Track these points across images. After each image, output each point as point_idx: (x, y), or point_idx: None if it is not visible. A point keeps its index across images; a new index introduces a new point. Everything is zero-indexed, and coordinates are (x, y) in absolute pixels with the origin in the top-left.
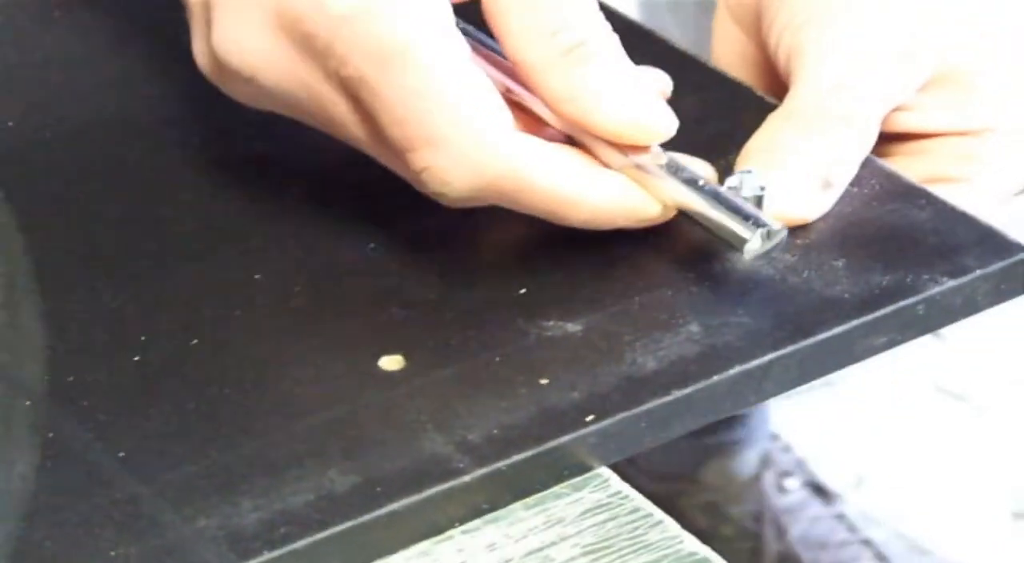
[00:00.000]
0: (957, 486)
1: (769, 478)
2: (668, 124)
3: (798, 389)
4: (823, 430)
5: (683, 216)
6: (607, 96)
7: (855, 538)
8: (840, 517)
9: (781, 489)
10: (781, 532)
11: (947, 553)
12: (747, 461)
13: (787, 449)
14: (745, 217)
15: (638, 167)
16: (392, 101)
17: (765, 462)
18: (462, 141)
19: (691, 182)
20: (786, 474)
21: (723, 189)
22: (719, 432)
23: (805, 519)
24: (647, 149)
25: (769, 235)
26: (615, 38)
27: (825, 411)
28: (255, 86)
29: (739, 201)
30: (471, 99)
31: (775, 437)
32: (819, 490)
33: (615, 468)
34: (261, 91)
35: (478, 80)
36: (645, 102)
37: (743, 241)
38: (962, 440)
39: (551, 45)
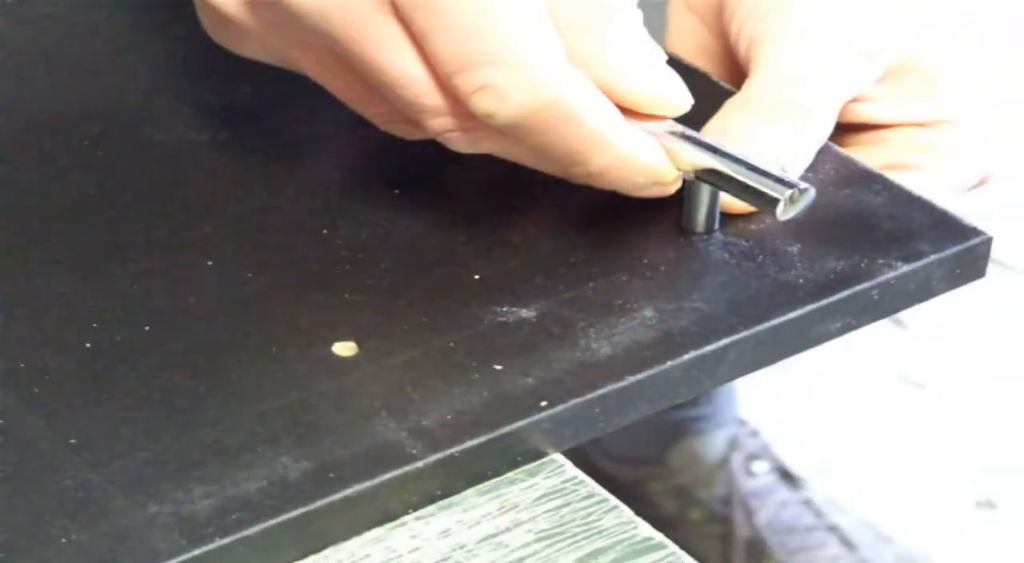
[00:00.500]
0: (920, 474)
1: (737, 461)
2: (688, 97)
3: (763, 375)
4: (789, 415)
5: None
6: (635, 64)
7: (822, 524)
8: (807, 502)
9: (749, 473)
10: (749, 516)
11: (911, 541)
12: (715, 444)
13: (754, 433)
14: (773, 178)
15: (654, 135)
16: (457, 17)
17: (733, 445)
18: (526, 60)
19: (714, 148)
20: (754, 458)
21: (744, 153)
22: (685, 407)
23: (773, 504)
24: (664, 119)
25: (800, 194)
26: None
27: (790, 397)
28: (286, 13)
29: (763, 164)
30: (536, 21)
31: (742, 422)
32: (786, 475)
33: (584, 453)
34: (285, 23)
35: (540, 6)
36: (669, 74)
37: (776, 200)
38: (923, 428)
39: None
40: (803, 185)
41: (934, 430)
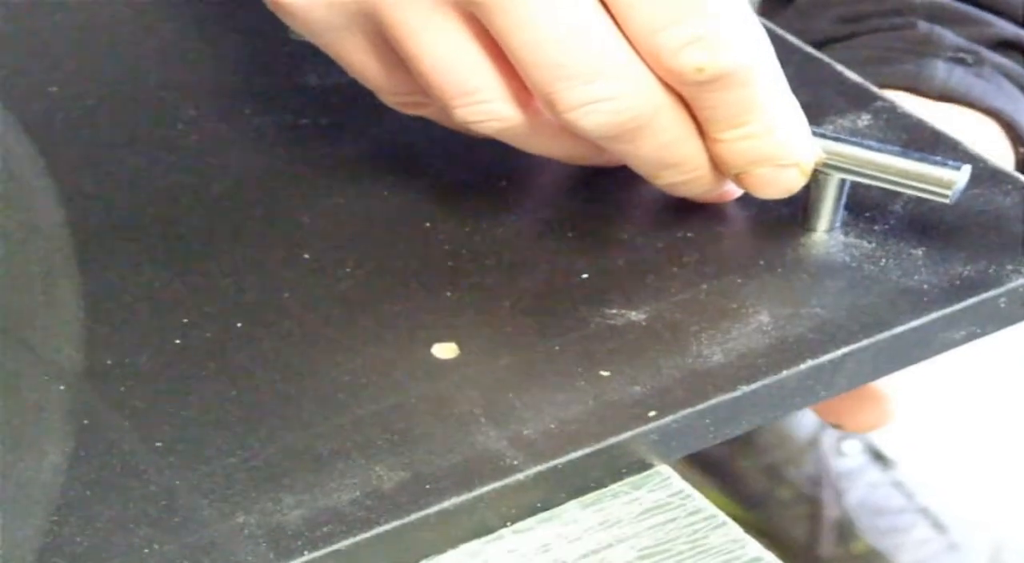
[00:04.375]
0: (1018, 458)
1: (827, 441)
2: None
3: None
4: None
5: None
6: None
7: (912, 506)
8: (898, 484)
9: (840, 453)
10: (839, 496)
11: (1005, 526)
12: (805, 423)
13: None
14: (933, 162)
15: None
16: None
17: (823, 425)
18: (739, 13)
19: (863, 144)
20: (845, 437)
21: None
22: None
23: (863, 484)
24: None
25: (965, 175)
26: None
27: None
28: None
29: (912, 151)
30: None
31: None
32: (877, 455)
33: None
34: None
35: None
36: (803, 140)
37: (952, 183)
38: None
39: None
40: (964, 164)
41: None
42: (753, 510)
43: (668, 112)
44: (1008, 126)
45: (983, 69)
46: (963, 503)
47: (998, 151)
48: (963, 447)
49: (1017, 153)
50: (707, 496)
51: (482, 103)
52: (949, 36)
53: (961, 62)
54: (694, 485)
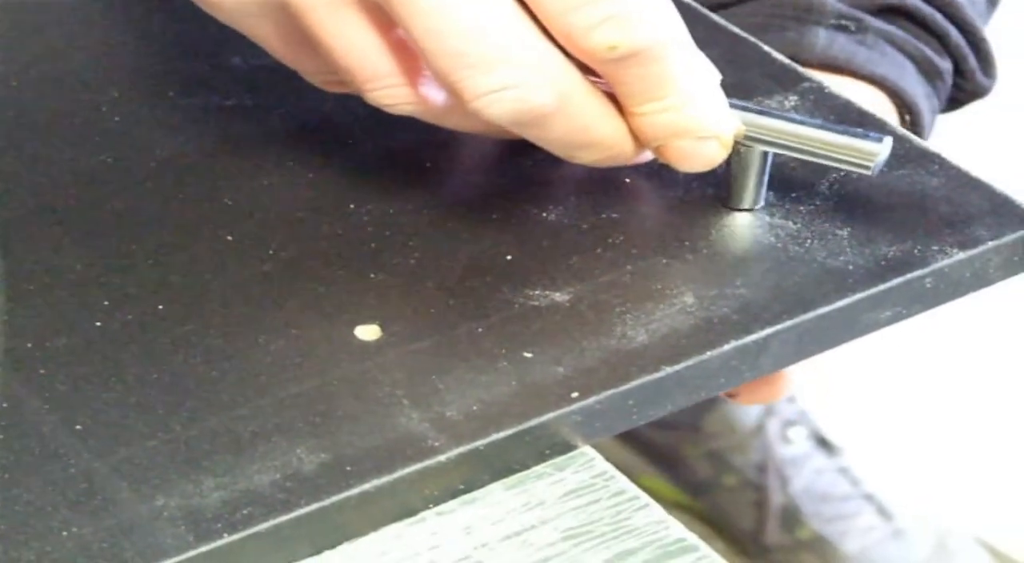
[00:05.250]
0: (962, 443)
1: (773, 428)
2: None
3: None
4: (827, 381)
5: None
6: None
7: (858, 492)
8: (843, 470)
9: (785, 439)
10: (784, 483)
11: (950, 512)
12: (750, 410)
13: (791, 399)
14: (855, 134)
15: None
16: None
17: (768, 412)
18: None
19: (762, 112)
20: (790, 424)
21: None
22: None
23: (808, 471)
24: None
25: (886, 146)
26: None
27: (828, 361)
28: None
29: (833, 123)
30: None
31: (791, 399)
32: (822, 442)
33: None
34: None
35: None
36: (722, 112)
37: (874, 154)
38: (969, 395)
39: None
40: (885, 136)
41: (979, 398)
42: (699, 497)
43: (579, 95)
44: (893, 93)
45: (866, 36)
46: (908, 490)
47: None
48: (909, 434)
49: (903, 121)
50: (653, 484)
51: (391, 87)
52: (832, 3)
53: (843, 29)
54: (639, 472)
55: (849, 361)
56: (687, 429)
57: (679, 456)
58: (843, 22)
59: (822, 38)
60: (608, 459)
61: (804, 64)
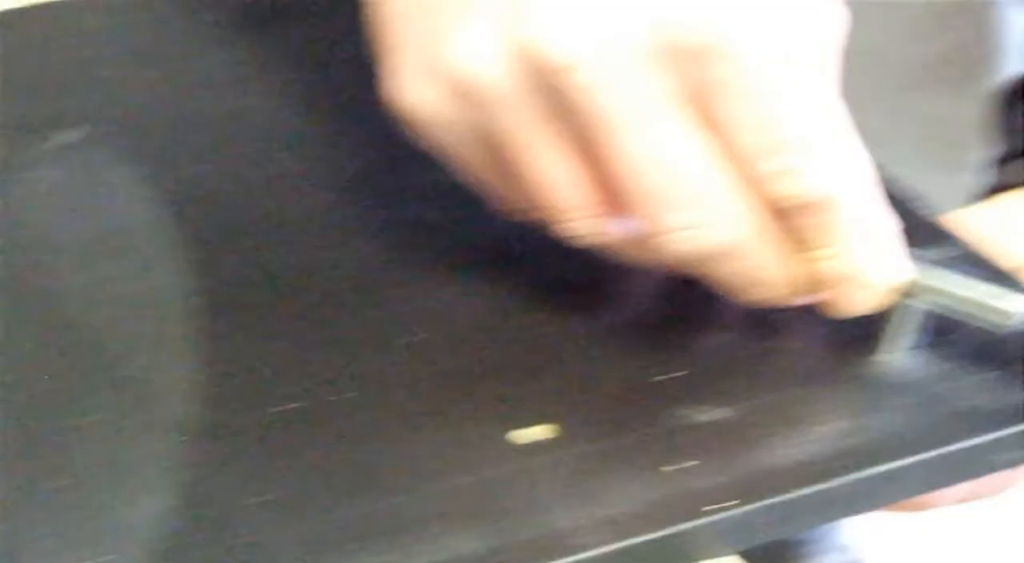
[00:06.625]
0: None
1: None
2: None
3: None
4: (895, 546)
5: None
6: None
7: None
8: None
9: None
10: None
11: None
12: None
13: (843, 549)
14: (991, 290)
15: None
16: (767, 101)
17: None
18: (836, 145)
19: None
20: None
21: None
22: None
23: None
24: None
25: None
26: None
27: (899, 525)
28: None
29: (970, 274)
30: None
31: (843, 548)
32: None
33: None
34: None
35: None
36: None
37: (1008, 315)
38: None
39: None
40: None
41: None
42: None
43: (757, 238)
44: None
45: None
46: None
47: None
48: None
49: None
50: None
51: (583, 219)
52: None
53: None
54: None
55: (917, 520)
56: None
57: None
58: None
59: None
60: None
61: None
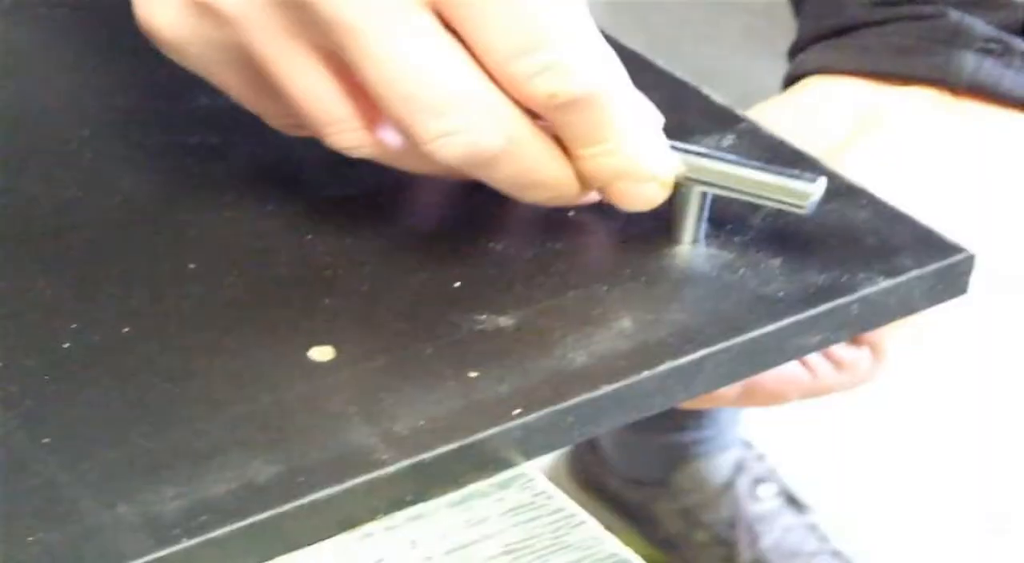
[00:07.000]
0: (929, 500)
1: (743, 485)
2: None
3: None
4: (796, 439)
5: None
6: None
7: (826, 549)
8: (812, 527)
9: (754, 497)
10: (754, 540)
11: None
12: (720, 467)
13: (760, 457)
14: (790, 175)
15: None
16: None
17: (738, 469)
18: (590, 41)
19: (705, 154)
20: (760, 481)
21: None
22: (689, 429)
23: (778, 528)
24: None
25: (820, 187)
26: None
27: (797, 419)
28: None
29: (768, 165)
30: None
31: (748, 445)
32: (791, 500)
33: (592, 474)
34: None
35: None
36: (661, 155)
37: (808, 195)
38: (934, 453)
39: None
40: (819, 177)
41: (945, 455)
42: (671, 553)
43: (526, 139)
44: None
45: (1013, 59)
46: (876, 546)
47: None
48: (876, 492)
49: None
50: (625, 539)
51: (349, 131)
52: (979, 25)
53: (990, 53)
54: (611, 528)
55: (818, 418)
56: (658, 486)
57: (651, 513)
58: (990, 45)
59: (970, 62)
60: None
61: (952, 90)
